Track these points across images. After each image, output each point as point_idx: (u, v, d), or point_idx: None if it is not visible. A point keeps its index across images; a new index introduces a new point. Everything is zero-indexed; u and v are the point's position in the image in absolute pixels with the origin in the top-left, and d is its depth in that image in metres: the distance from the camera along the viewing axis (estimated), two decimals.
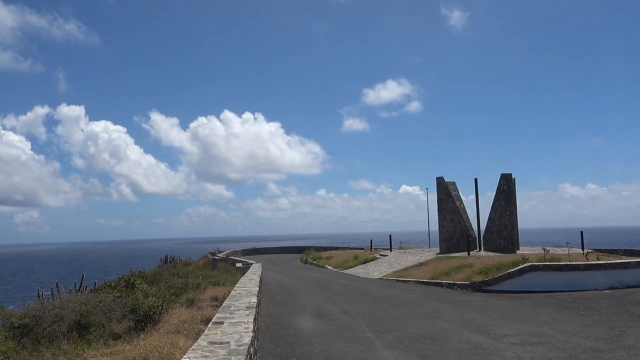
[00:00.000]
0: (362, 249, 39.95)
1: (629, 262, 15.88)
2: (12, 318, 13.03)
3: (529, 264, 15.98)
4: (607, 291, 14.54)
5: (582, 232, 25.22)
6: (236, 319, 6.14)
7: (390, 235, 36.35)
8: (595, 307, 11.89)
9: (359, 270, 25.93)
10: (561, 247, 23.62)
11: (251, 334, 5.18)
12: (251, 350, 4.94)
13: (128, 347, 8.58)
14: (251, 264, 24.62)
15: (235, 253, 42.99)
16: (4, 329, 12.59)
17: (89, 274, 36.96)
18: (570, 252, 19.23)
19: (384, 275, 22.10)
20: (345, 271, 26.94)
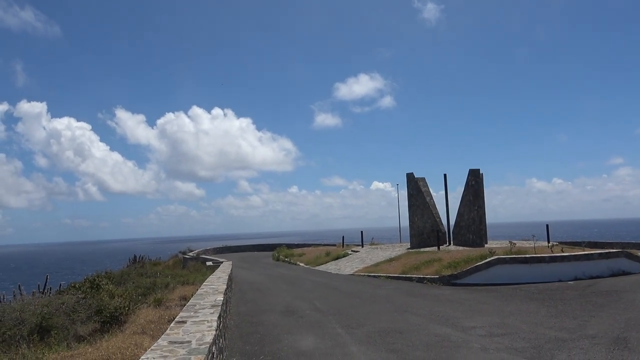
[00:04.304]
0: (334, 245, 40.02)
1: (591, 254, 16.34)
2: None
3: (496, 257, 16.26)
4: (571, 282, 14.92)
5: (547, 226, 25.82)
6: (200, 317, 5.98)
7: (361, 232, 36.49)
8: (559, 298, 12.17)
9: (330, 267, 25.93)
10: (528, 240, 24.14)
11: (214, 332, 5.04)
12: (213, 349, 4.81)
13: (90, 349, 8.32)
14: (222, 262, 24.32)
15: (206, 252, 42.46)
16: None
17: (54, 276, 35.87)
18: (536, 245, 19.67)
19: (356, 271, 22.16)
20: (317, 268, 26.91)
